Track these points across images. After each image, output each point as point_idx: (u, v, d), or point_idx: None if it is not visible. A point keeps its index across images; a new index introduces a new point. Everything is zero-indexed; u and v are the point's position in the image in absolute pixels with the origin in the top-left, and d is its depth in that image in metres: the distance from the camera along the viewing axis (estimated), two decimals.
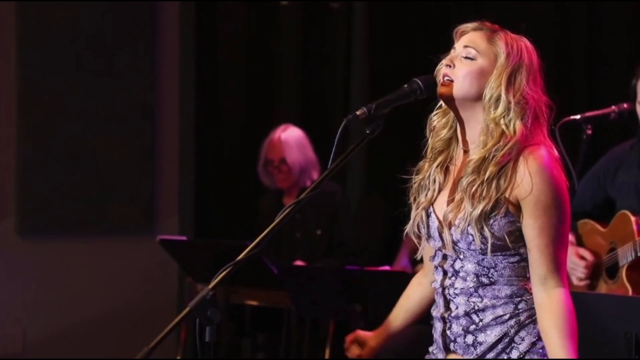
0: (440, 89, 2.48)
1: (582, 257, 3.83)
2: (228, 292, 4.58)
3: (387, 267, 4.79)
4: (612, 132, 4.67)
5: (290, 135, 5.06)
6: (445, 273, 2.51)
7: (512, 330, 2.45)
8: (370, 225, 5.70)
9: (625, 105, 3.85)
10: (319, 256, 4.99)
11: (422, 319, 4.03)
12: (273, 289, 4.59)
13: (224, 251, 4.44)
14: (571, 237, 3.83)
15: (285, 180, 5.05)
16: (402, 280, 4.01)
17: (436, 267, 2.54)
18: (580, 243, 3.91)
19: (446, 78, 2.47)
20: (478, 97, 2.46)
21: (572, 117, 3.78)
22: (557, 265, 2.41)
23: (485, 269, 2.45)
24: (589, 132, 3.84)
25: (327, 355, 4.61)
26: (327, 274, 4.27)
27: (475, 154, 2.45)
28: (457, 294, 2.48)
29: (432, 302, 2.62)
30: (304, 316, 4.80)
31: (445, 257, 2.51)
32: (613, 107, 3.87)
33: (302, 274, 4.44)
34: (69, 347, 5.55)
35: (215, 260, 4.37)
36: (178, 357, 5.00)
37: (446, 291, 2.51)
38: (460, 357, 2.51)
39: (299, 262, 4.92)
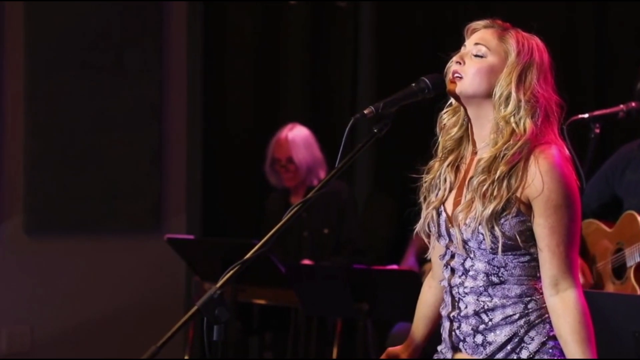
0: (450, 86, 2.47)
1: (582, 273, 3.81)
2: (236, 290, 4.58)
3: (394, 266, 4.79)
4: (621, 131, 4.66)
5: (297, 134, 5.06)
6: (453, 271, 2.50)
7: (522, 330, 2.44)
8: (377, 224, 5.70)
9: (633, 104, 3.84)
10: (326, 255, 5.00)
11: None
12: (281, 288, 4.60)
13: (231, 250, 4.44)
14: None
15: (292, 179, 5.05)
16: (409, 280, 4.02)
17: (445, 266, 2.53)
18: (584, 244, 3.90)
19: (456, 75, 2.46)
20: (488, 95, 2.45)
21: (580, 115, 3.77)
22: (569, 266, 2.40)
23: (496, 268, 2.44)
24: (597, 131, 3.82)
25: (334, 354, 4.61)
26: (335, 273, 4.27)
27: (485, 153, 2.45)
28: (466, 293, 2.47)
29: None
30: (311, 315, 4.80)
31: (454, 255, 2.50)
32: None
33: (310, 272, 4.43)
34: (77, 345, 5.56)
35: (222, 259, 4.38)
36: (186, 357, 5.00)
37: (454, 290, 2.50)
38: (468, 357, 2.50)
39: (306, 261, 4.93)
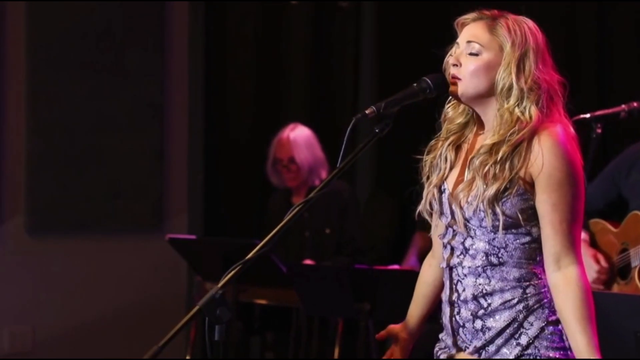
0: (452, 88, 2.48)
1: (597, 261, 3.81)
2: (237, 290, 4.58)
3: (395, 266, 4.79)
4: (622, 131, 4.66)
5: (299, 134, 5.06)
6: (452, 250, 2.50)
7: (521, 316, 2.44)
8: (378, 224, 5.70)
9: (635, 104, 3.85)
10: (328, 255, 4.99)
11: (430, 318, 4.03)
12: (282, 288, 4.60)
13: (233, 250, 4.44)
14: (585, 235, 3.82)
15: (294, 179, 5.05)
16: (410, 280, 4.00)
17: (445, 245, 2.53)
18: (593, 241, 3.91)
19: (454, 78, 2.47)
20: (490, 91, 2.46)
21: (582, 115, 3.77)
22: (571, 242, 2.39)
23: (496, 248, 2.44)
24: (599, 130, 3.83)
25: (335, 355, 4.61)
26: (336, 273, 4.26)
27: (489, 139, 2.44)
28: (465, 274, 2.47)
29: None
30: (313, 315, 4.80)
31: (454, 234, 2.50)
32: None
33: (311, 272, 4.43)
34: (78, 345, 5.56)
35: (224, 259, 4.38)
36: (187, 357, 5.00)
37: (453, 271, 2.50)
38: (469, 357, 2.50)
39: (307, 261, 4.93)
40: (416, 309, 2.69)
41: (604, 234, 3.89)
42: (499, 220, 2.40)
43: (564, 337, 2.43)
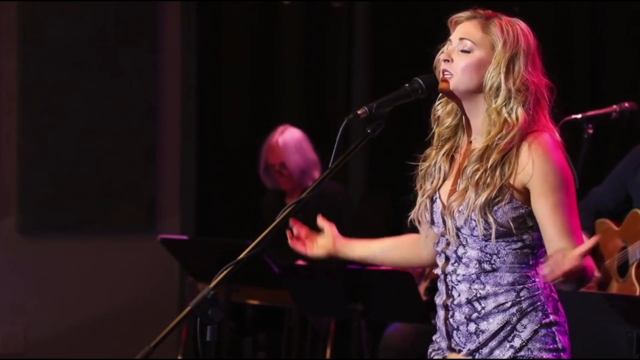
0: (441, 85, 2.48)
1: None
2: (229, 291, 4.58)
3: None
4: (614, 131, 4.67)
5: (288, 138, 5.04)
6: (447, 259, 2.51)
7: (514, 318, 2.45)
8: (372, 224, 5.69)
9: (627, 105, 3.86)
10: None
11: (423, 319, 4.03)
12: (274, 288, 4.59)
13: (225, 250, 4.44)
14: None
15: (287, 182, 5.05)
16: (403, 280, 4.02)
17: (439, 254, 2.54)
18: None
19: (446, 74, 2.47)
20: (479, 89, 2.47)
21: (573, 116, 3.78)
22: (576, 238, 2.40)
23: (488, 255, 2.45)
24: (591, 131, 3.84)
25: (328, 355, 4.61)
26: (329, 273, 4.27)
27: (478, 143, 2.46)
28: (459, 281, 2.49)
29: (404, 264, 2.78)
30: (305, 315, 4.80)
31: (448, 243, 2.51)
32: (615, 106, 3.87)
33: (304, 272, 4.43)
34: (71, 346, 5.55)
35: (216, 259, 4.37)
36: (179, 357, 5.00)
37: (448, 278, 2.51)
38: (460, 357, 2.51)
39: (300, 262, 4.92)
40: (368, 250, 2.72)
41: (608, 234, 3.89)
42: (490, 228, 2.41)
43: (557, 339, 2.45)
